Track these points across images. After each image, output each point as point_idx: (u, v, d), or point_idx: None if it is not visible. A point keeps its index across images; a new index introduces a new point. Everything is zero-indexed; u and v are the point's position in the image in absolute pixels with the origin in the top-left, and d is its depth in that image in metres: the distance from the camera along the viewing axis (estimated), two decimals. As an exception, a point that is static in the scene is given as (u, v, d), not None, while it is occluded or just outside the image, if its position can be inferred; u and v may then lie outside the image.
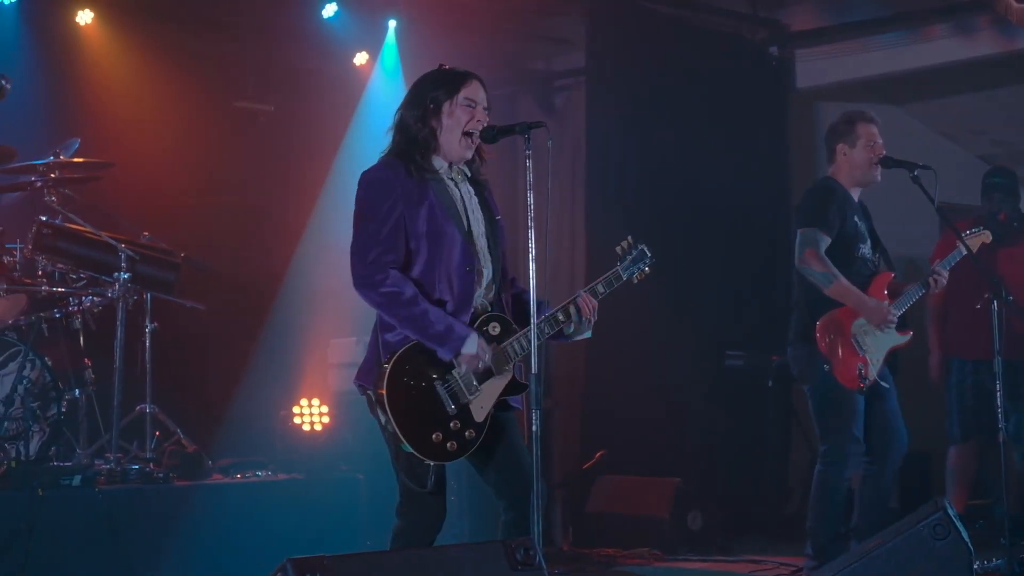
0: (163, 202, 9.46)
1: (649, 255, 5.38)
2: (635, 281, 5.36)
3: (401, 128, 5.15)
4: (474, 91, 5.16)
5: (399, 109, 5.20)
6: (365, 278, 4.97)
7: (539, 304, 5.04)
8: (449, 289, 5.03)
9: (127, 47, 9.65)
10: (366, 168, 5.13)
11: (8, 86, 3.54)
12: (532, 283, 4.94)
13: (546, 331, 5.11)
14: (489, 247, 5.15)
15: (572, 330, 5.22)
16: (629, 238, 5.38)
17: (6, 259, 7.68)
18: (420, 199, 5.02)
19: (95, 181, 8.44)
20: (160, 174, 9.52)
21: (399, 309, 4.93)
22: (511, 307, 5.21)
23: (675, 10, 10.70)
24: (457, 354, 4.96)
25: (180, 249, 8.64)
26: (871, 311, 6.85)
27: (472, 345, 4.97)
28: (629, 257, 5.36)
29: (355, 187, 5.10)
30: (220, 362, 9.91)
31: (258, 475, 8.14)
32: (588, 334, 5.27)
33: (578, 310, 5.18)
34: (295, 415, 8.56)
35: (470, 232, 5.11)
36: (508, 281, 5.26)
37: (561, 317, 5.16)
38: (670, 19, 10.61)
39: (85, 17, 9.47)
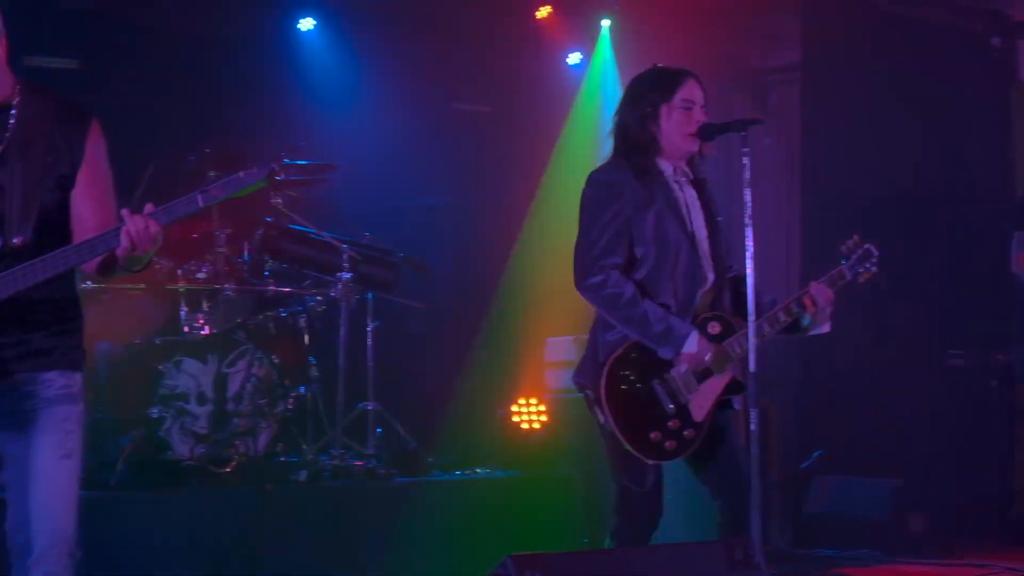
0: (384, 203, 9.63)
1: (876, 254, 5.27)
2: (860, 281, 5.26)
3: (621, 132, 5.15)
4: (690, 91, 5.12)
5: (617, 112, 5.19)
6: (586, 279, 4.99)
7: (772, 302, 5.03)
8: (673, 294, 5.02)
9: (348, 52, 9.86)
10: (588, 168, 5.15)
11: (281, 174, 3.64)
12: (750, 281, 4.91)
13: (766, 330, 5.05)
14: (712, 251, 5.12)
15: (809, 322, 5.14)
16: (856, 236, 5.29)
17: (235, 260, 7.92)
18: (648, 203, 5.02)
19: (319, 183, 8.64)
20: (381, 175, 9.69)
21: (620, 311, 4.94)
22: (733, 306, 5.16)
23: (891, 3, 10.51)
24: (678, 353, 4.95)
25: (400, 249, 8.80)
26: None
27: (692, 344, 4.95)
28: (855, 256, 5.26)
29: (572, 186, 5.14)
30: (439, 360, 10.01)
31: (477, 473, 8.23)
32: (826, 328, 5.17)
33: (802, 308, 5.11)
34: (513, 413, 8.65)
35: (694, 237, 5.09)
36: (731, 280, 5.21)
37: (782, 316, 5.09)
38: (886, 12, 10.41)
39: (307, 24, 9.72)
